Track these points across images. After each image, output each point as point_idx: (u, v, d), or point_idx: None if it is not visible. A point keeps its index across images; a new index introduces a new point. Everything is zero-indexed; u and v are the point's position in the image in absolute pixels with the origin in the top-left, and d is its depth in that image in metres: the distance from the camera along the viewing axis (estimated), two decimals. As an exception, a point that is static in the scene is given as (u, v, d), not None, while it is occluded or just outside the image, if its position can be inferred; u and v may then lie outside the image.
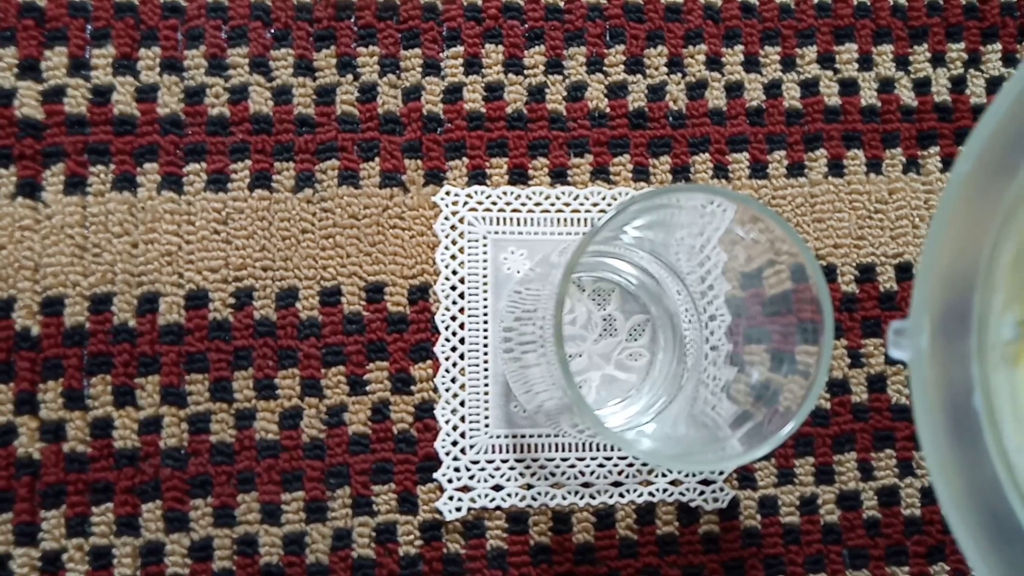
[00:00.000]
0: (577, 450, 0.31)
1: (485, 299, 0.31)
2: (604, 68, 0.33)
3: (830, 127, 0.34)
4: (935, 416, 0.17)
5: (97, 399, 0.30)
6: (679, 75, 0.33)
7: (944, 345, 0.17)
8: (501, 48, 0.33)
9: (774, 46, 0.34)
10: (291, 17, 0.32)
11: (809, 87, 0.34)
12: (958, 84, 0.34)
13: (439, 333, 0.31)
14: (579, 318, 0.31)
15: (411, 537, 0.30)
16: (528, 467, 0.31)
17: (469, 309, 0.31)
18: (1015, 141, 0.17)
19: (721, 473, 0.31)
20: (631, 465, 0.31)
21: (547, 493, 0.31)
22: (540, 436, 0.31)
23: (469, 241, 0.31)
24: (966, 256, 0.18)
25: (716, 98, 0.33)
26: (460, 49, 0.33)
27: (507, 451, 0.31)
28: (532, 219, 0.32)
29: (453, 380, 0.31)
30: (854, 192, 0.33)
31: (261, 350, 0.30)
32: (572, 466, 0.31)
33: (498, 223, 0.32)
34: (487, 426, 0.31)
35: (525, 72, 0.33)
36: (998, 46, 0.35)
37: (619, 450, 0.31)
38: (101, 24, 0.31)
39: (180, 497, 0.29)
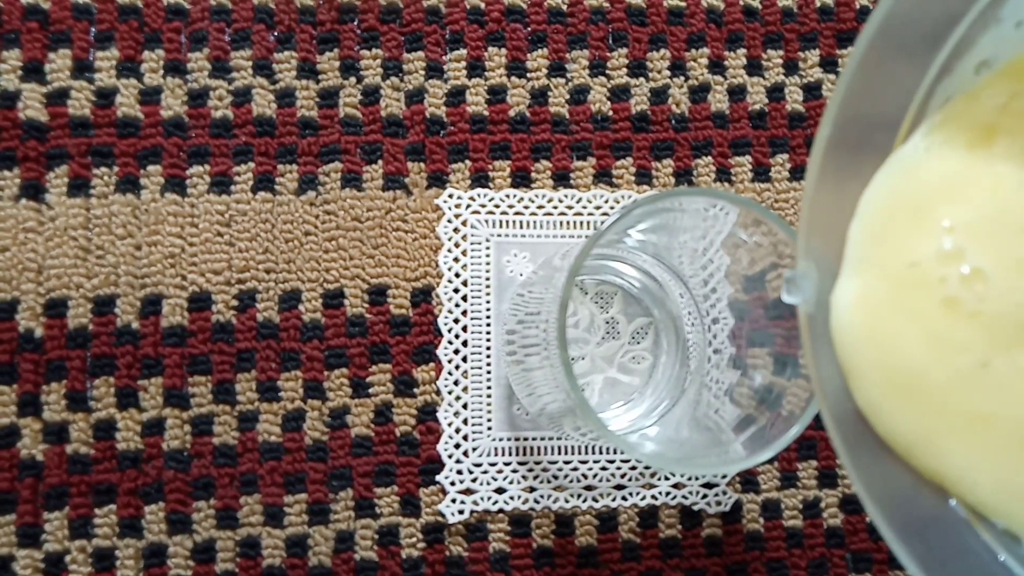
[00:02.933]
0: (580, 453, 0.31)
1: (488, 302, 0.31)
2: (607, 71, 0.33)
3: (833, 130, 0.34)
4: (826, 350, 0.17)
5: (100, 401, 0.30)
6: (682, 78, 0.33)
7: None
8: (504, 51, 0.33)
9: (777, 50, 0.34)
10: (294, 20, 0.32)
11: (812, 90, 0.34)
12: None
13: (442, 336, 0.31)
14: (582, 321, 0.31)
15: (413, 539, 0.30)
16: (531, 470, 0.31)
17: (472, 312, 0.31)
18: (877, 106, 0.17)
19: (724, 476, 0.31)
20: (634, 468, 0.31)
21: (550, 496, 0.31)
22: (543, 439, 0.31)
23: (472, 244, 0.31)
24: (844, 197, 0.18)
25: (719, 101, 0.33)
26: (463, 52, 0.33)
27: (510, 454, 0.31)
28: (535, 222, 0.32)
29: (456, 383, 0.31)
30: (857, 195, 0.33)
31: (264, 352, 0.30)
32: (575, 469, 0.31)
33: (501, 226, 0.32)
34: (490, 429, 0.31)
35: (528, 75, 0.33)
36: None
37: (622, 453, 0.31)
38: (105, 27, 0.31)
39: (183, 499, 0.29)
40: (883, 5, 0.16)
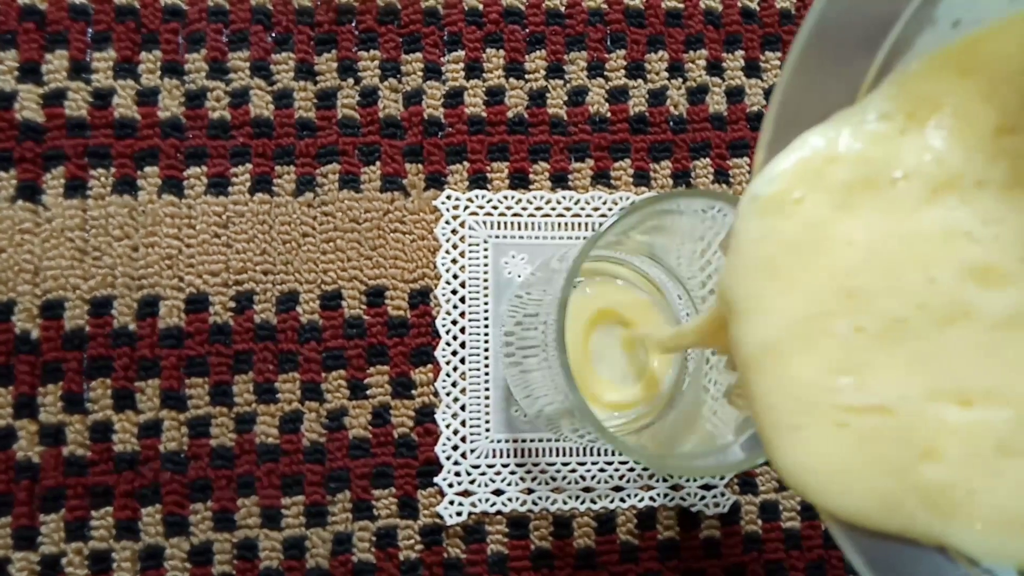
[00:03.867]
0: (578, 455, 0.31)
1: (486, 303, 0.31)
2: (605, 73, 0.33)
3: (830, 132, 0.34)
4: None
5: (97, 403, 0.29)
6: (680, 80, 0.33)
7: None
8: (502, 52, 0.33)
9: (775, 51, 0.34)
10: (292, 21, 0.32)
11: (810, 92, 0.34)
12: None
13: (440, 337, 0.31)
14: (580, 322, 0.31)
15: (411, 542, 0.30)
16: (529, 471, 0.31)
17: (470, 313, 0.31)
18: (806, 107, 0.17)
19: (722, 478, 0.31)
20: (632, 470, 0.31)
21: (548, 498, 0.30)
22: (541, 440, 0.31)
23: (470, 245, 0.31)
24: None
25: (717, 103, 0.33)
26: (461, 53, 0.33)
27: (508, 455, 0.31)
28: (533, 223, 0.32)
29: (454, 384, 0.31)
30: (854, 197, 0.33)
31: (261, 354, 0.30)
32: (573, 471, 0.31)
33: (499, 227, 0.32)
34: (488, 430, 0.31)
35: (526, 76, 0.33)
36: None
37: (620, 455, 0.31)
38: (102, 27, 0.31)
39: (180, 501, 0.29)
40: (816, 8, 0.16)
